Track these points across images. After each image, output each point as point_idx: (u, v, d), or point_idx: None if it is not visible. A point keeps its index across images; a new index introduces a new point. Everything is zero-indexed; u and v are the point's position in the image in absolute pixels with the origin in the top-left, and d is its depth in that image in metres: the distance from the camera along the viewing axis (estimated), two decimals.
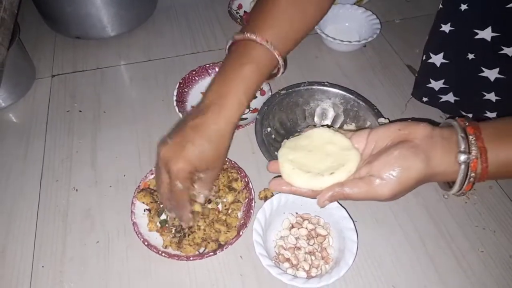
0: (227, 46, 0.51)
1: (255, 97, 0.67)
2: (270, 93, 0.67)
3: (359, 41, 0.75)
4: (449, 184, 0.41)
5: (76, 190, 0.59)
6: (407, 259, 0.52)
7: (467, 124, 0.39)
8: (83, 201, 0.58)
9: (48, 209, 0.57)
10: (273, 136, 0.60)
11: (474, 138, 0.38)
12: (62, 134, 0.66)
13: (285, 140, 0.46)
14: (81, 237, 0.54)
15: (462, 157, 0.37)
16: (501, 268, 0.51)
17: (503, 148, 0.38)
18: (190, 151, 0.44)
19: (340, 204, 0.52)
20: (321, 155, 0.43)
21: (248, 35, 0.47)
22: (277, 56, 0.48)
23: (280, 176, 0.43)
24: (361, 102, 0.61)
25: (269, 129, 0.60)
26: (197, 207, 0.51)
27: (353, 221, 0.51)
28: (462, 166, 0.38)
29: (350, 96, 0.62)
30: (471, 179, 0.38)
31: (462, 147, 0.38)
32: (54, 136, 0.66)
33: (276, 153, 0.51)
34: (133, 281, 0.50)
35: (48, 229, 0.55)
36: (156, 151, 0.47)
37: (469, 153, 0.37)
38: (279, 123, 0.62)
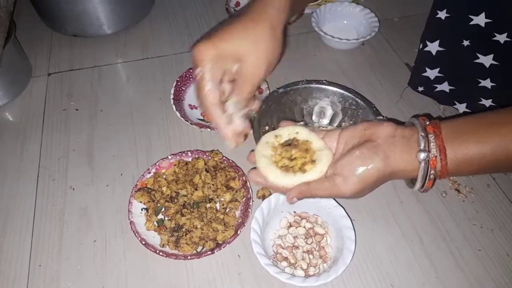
0: None
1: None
2: (268, 91, 0.67)
3: (357, 39, 0.75)
4: (412, 181, 0.42)
5: (73, 189, 0.59)
6: (405, 258, 0.52)
7: (427, 123, 0.40)
8: (80, 200, 0.58)
9: (45, 208, 0.57)
10: None
11: (433, 136, 0.39)
12: (58, 133, 0.66)
13: (265, 135, 0.46)
14: (78, 236, 0.54)
15: (422, 155, 0.38)
16: (498, 267, 0.51)
17: (461, 147, 0.39)
18: (217, 34, 0.42)
19: (338, 203, 0.52)
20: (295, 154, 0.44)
21: None
22: None
23: None
24: (359, 101, 0.61)
25: (266, 127, 0.60)
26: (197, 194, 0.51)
27: (351, 219, 0.51)
28: (422, 164, 0.39)
29: (349, 94, 0.62)
30: (431, 176, 0.39)
31: (422, 145, 0.39)
32: (51, 135, 0.65)
33: None
34: (131, 280, 0.50)
35: (45, 228, 0.55)
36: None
37: (428, 151, 0.38)
38: (277, 121, 0.62)
